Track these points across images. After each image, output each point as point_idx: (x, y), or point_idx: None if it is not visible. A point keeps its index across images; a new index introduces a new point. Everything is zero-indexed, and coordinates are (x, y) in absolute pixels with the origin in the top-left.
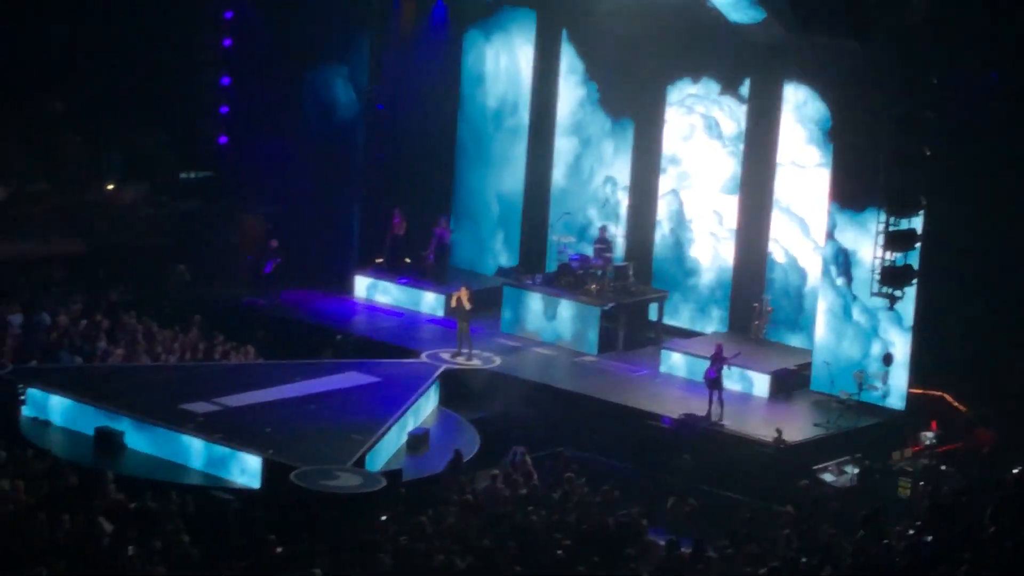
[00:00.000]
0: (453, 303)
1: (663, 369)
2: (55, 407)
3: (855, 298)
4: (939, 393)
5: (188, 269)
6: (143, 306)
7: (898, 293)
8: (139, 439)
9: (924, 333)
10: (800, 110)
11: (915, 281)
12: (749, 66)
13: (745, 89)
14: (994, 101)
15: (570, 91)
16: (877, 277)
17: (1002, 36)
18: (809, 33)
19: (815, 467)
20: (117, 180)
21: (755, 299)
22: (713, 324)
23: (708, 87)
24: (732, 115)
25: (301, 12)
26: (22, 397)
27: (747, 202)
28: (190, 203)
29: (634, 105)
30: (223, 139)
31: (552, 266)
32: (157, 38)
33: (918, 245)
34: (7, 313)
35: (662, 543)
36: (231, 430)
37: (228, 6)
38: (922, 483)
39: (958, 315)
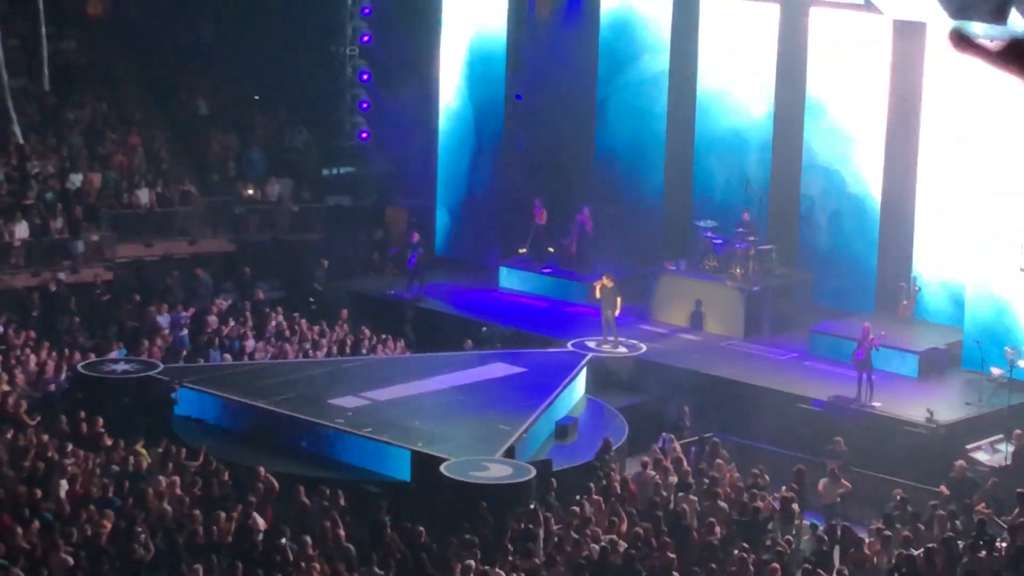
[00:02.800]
0: (597, 292)
1: (811, 351)
2: (206, 405)
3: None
4: None
5: (331, 264)
6: (290, 302)
7: None
8: (289, 435)
9: None
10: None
11: None
12: None
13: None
14: None
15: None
16: None
17: None
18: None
19: (968, 446)
20: (262, 178)
21: (902, 279)
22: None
23: None
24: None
25: (435, 3)
26: (174, 396)
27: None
28: (334, 199)
29: None
30: (364, 135)
31: (695, 250)
32: (297, 36)
33: None
34: (156, 313)
35: (816, 526)
36: (380, 424)
37: (366, 1)
38: None
39: None
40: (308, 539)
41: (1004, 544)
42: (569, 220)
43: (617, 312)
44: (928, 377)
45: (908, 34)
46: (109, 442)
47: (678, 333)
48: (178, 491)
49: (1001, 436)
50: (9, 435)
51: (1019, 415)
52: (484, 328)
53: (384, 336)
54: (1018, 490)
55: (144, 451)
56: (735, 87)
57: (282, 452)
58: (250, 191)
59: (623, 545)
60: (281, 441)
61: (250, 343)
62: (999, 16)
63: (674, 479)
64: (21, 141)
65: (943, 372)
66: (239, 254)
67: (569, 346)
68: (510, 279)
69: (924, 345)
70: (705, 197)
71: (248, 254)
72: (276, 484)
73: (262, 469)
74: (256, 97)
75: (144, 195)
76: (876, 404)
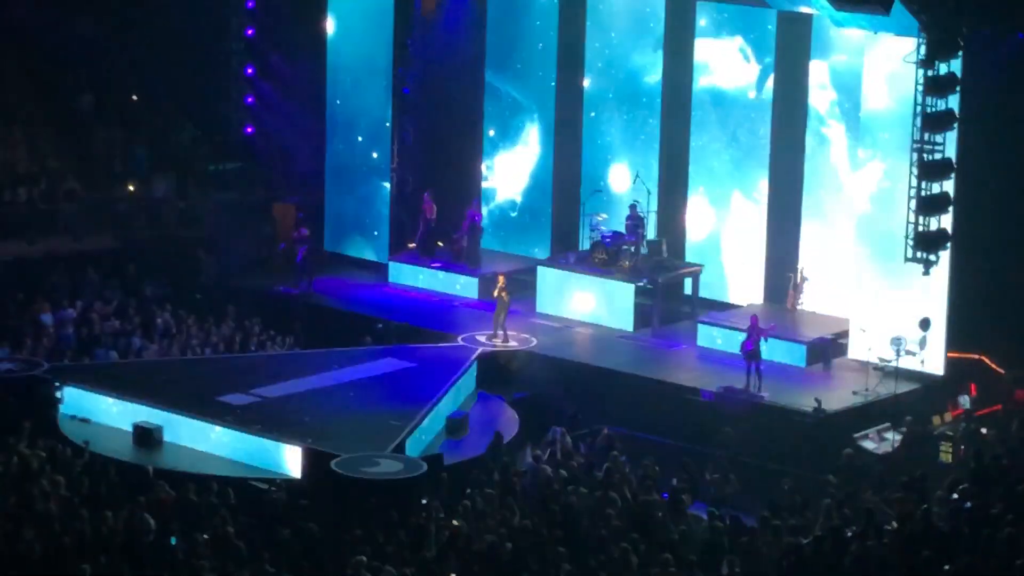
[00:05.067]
0: (494, 292)
1: (700, 343)
2: (92, 404)
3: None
4: (977, 356)
5: (218, 260)
6: (177, 299)
7: (933, 258)
8: (177, 433)
9: (960, 297)
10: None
11: (949, 246)
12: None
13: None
14: (1021, 61)
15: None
16: (911, 243)
17: None
18: (843, 8)
19: (855, 435)
20: (146, 174)
21: (790, 269)
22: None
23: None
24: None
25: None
26: (59, 395)
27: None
28: (220, 195)
29: None
30: (250, 129)
31: (585, 244)
32: (181, 30)
33: (951, 209)
34: (40, 312)
35: (704, 517)
36: (269, 421)
37: None
38: (963, 447)
39: (994, 278)
40: (198, 537)
41: (892, 531)
42: (459, 214)
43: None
44: (816, 367)
45: (794, 26)
46: None
47: (568, 327)
48: (64, 491)
49: (888, 424)
50: None
51: (906, 403)
52: (380, 324)
53: (273, 332)
54: (903, 478)
55: (29, 451)
56: (623, 75)
57: (170, 449)
58: (134, 188)
59: (514, 538)
60: (170, 438)
61: (136, 341)
62: (883, 6)
63: (565, 472)
64: None
65: (830, 362)
66: (124, 251)
67: (459, 341)
68: (400, 274)
69: (811, 335)
70: (594, 190)
71: (134, 251)
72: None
73: (150, 467)
74: (135, 97)
75: (24, 192)
76: (764, 394)
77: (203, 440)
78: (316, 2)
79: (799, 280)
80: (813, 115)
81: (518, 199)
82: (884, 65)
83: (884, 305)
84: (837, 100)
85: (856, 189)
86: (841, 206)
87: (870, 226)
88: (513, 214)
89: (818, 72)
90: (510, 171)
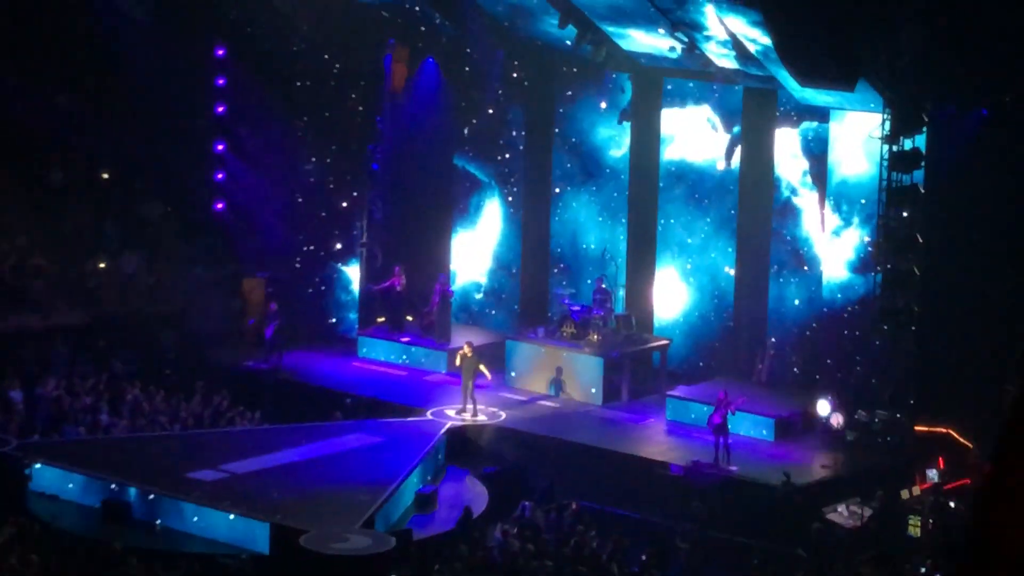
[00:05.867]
0: (458, 360)
1: (669, 417)
2: (61, 481)
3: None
4: (944, 430)
5: (187, 335)
6: (146, 376)
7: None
8: (146, 510)
9: (927, 370)
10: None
11: (912, 321)
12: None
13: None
14: (984, 136)
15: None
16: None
17: (991, 72)
18: (808, 84)
19: (824, 508)
20: (116, 250)
21: (757, 343)
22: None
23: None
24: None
25: (292, 73)
26: (28, 472)
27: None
28: (190, 270)
29: None
30: (220, 205)
31: (553, 317)
32: (153, 106)
33: (917, 283)
34: (9, 388)
35: None
36: (238, 497)
37: (221, 72)
38: (932, 521)
39: (960, 351)
40: None
41: None
42: (428, 288)
43: (489, 378)
44: (784, 440)
45: (759, 103)
46: None
47: (538, 400)
48: (34, 569)
49: (858, 498)
50: None
51: (874, 477)
52: (348, 399)
53: (242, 408)
54: (873, 552)
55: None
56: (599, 153)
57: (139, 526)
58: (104, 264)
59: None
60: (139, 515)
61: (105, 417)
62: (847, 83)
63: (533, 547)
64: None
65: (799, 435)
66: (94, 327)
67: (428, 415)
68: (369, 348)
69: (780, 409)
70: (562, 265)
71: (103, 327)
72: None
73: (118, 544)
74: (105, 175)
75: None
76: (733, 468)
77: (172, 517)
78: (286, 78)
79: (768, 353)
80: (784, 185)
81: (483, 280)
82: (855, 133)
83: (852, 378)
84: (809, 168)
85: (830, 258)
86: (813, 275)
87: (845, 293)
88: (478, 295)
89: (787, 140)
90: (474, 249)
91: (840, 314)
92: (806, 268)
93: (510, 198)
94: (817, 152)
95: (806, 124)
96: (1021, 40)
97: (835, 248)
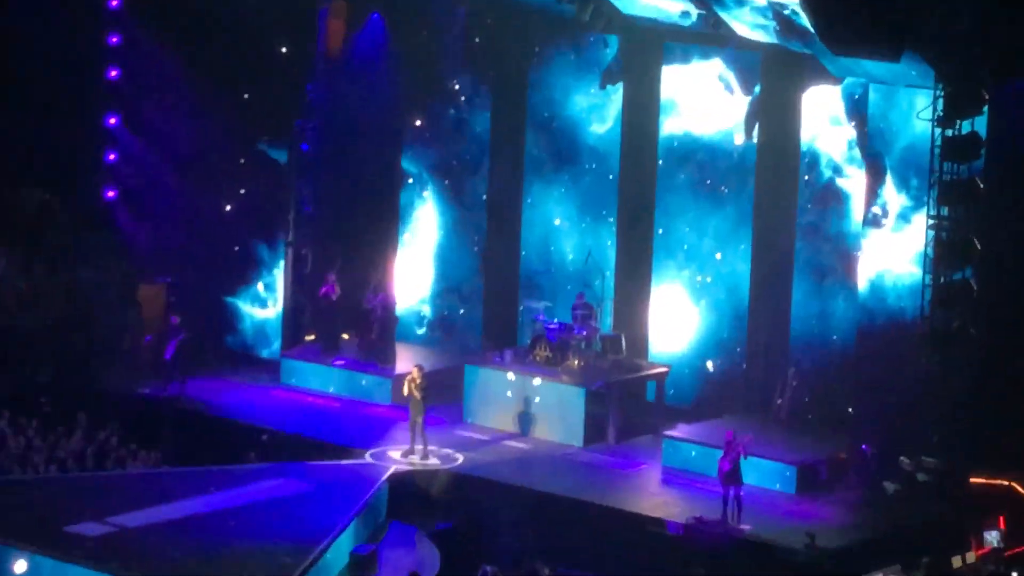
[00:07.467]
0: (405, 390)
1: (665, 463)
2: None
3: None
4: (1006, 482)
5: (64, 355)
6: (15, 404)
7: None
8: (14, 571)
9: (987, 409)
10: None
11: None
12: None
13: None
14: None
15: None
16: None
17: None
18: (842, 52)
19: None
20: None
21: (779, 370)
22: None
23: None
24: None
25: (201, 29)
26: None
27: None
28: (74, 274)
29: None
30: (111, 193)
31: (524, 338)
32: (29, 71)
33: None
34: None
35: None
36: (129, 557)
37: (114, 28)
38: None
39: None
40: None
41: None
42: (368, 297)
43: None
44: (808, 493)
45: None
46: None
47: (503, 440)
48: None
49: (898, 567)
50: None
51: (920, 540)
52: (264, 436)
53: (134, 446)
54: None
55: None
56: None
57: None
58: None
59: None
60: None
61: None
62: (890, 53)
63: None
64: None
65: (827, 487)
66: None
67: (368, 457)
68: (295, 374)
69: (803, 453)
70: (535, 271)
71: None
72: None
73: None
74: None
75: None
76: (745, 527)
77: None
78: (193, 35)
79: (791, 383)
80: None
81: (425, 309)
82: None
83: (893, 417)
84: (856, 138)
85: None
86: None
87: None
88: (420, 330)
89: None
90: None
91: (905, 328)
92: (856, 277)
93: (459, 195)
94: (869, 113)
95: (851, 79)
96: None
97: (900, 240)
